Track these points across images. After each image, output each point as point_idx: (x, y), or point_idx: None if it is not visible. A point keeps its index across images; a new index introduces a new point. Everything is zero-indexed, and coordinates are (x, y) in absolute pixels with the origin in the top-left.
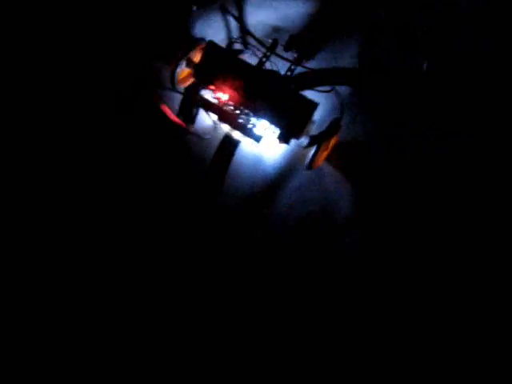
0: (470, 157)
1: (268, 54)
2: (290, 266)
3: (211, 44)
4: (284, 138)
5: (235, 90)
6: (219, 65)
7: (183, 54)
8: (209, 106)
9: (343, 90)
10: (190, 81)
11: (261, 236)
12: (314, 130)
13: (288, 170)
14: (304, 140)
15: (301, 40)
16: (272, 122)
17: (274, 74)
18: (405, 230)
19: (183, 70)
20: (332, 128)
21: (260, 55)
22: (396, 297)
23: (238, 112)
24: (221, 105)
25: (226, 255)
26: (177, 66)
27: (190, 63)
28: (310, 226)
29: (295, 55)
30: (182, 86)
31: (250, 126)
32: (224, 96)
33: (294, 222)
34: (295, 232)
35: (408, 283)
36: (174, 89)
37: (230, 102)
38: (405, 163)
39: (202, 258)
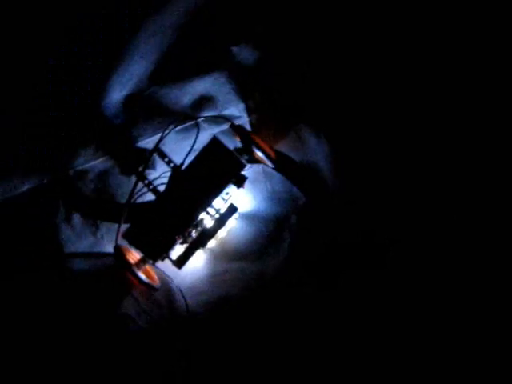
0: None
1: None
2: None
3: (128, 234)
4: (239, 182)
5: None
6: (150, 233)
7: (129, 270)
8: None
9: None
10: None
11: None
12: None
13: None
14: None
15: None
16: (219, 191)
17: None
18: None
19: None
20: None
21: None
22: None
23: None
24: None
25: None
26: (137, 276)
27: (140, 263)
28: None
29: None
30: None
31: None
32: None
33: None
34: None
35: None
36: (156, 289)
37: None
38: None
39: None
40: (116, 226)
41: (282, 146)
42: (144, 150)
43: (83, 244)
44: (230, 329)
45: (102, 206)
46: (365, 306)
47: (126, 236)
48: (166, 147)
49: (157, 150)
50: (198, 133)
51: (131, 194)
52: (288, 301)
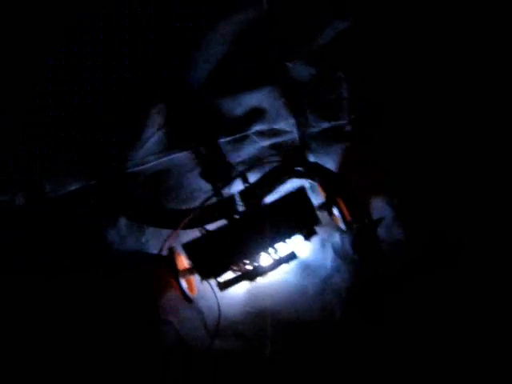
0: None
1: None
2: None
3: (188, 246)
4: (309, 235)
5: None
6: (209, 253)
7: (174, 273)
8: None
9: None
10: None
11: None
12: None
13: None
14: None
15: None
16: (287, 238)
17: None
18: None
19: (187, 279)
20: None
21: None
22: None
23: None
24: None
25: None
26: (180, 284)
27: (186, 272)
28: None
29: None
30: (194, 293)
31: (276, 257)
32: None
33: None
34: None
35: None
36: (191, 301)
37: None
38: None
39: None
40: (162, 232)
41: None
42: (231, 165)
43: (127, 247)
44: (265, 342)
45: (151, 211)
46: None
47: (185, 247)
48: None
49: (244, 175)
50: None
51: (203, 204)
52: (330, 317)
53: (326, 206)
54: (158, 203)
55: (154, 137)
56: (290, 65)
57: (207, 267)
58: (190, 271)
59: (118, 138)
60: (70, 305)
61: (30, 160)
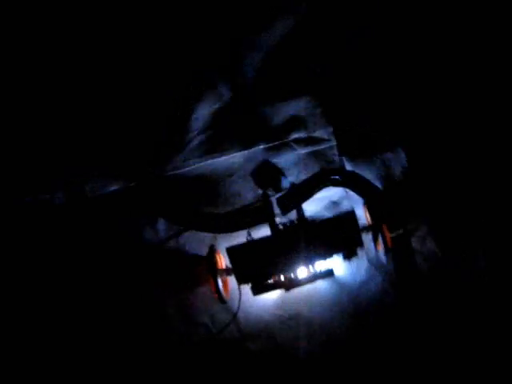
0: None
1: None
2: None
3: (232, 250)
4: (350, 255)
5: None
6: (252, 261)
7: (212, 271)
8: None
9: None
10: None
11: None
12: None
13: None
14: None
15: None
16: (329, 256)
17: (293, 225)
18: None
19: (223, 279)
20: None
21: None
22: None
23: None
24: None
25: None
26: (216, 281)
27: (224, 272)
28: None
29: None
30: (227, 295)
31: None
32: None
33: None
34: None
35: None
36: (224, 302)
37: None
38: None
39: None
40: (200, 234)
41: (364, 168)
42: (283, 174)
43: (164, 248)
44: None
45: (189, 214)
46: None
47: (229, 251)
48: (253, 163)
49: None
50: None
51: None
52: (364, 322)
53: (372, 232)
54: (196, 206)
55: (194, 141)
56: (328, 74)
57: (247, 274)
58: (226, 272)
59: (158, 140)
60: (105, 302)
61: (70, 160)
